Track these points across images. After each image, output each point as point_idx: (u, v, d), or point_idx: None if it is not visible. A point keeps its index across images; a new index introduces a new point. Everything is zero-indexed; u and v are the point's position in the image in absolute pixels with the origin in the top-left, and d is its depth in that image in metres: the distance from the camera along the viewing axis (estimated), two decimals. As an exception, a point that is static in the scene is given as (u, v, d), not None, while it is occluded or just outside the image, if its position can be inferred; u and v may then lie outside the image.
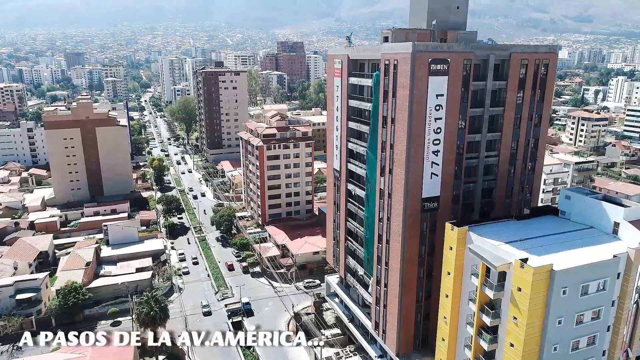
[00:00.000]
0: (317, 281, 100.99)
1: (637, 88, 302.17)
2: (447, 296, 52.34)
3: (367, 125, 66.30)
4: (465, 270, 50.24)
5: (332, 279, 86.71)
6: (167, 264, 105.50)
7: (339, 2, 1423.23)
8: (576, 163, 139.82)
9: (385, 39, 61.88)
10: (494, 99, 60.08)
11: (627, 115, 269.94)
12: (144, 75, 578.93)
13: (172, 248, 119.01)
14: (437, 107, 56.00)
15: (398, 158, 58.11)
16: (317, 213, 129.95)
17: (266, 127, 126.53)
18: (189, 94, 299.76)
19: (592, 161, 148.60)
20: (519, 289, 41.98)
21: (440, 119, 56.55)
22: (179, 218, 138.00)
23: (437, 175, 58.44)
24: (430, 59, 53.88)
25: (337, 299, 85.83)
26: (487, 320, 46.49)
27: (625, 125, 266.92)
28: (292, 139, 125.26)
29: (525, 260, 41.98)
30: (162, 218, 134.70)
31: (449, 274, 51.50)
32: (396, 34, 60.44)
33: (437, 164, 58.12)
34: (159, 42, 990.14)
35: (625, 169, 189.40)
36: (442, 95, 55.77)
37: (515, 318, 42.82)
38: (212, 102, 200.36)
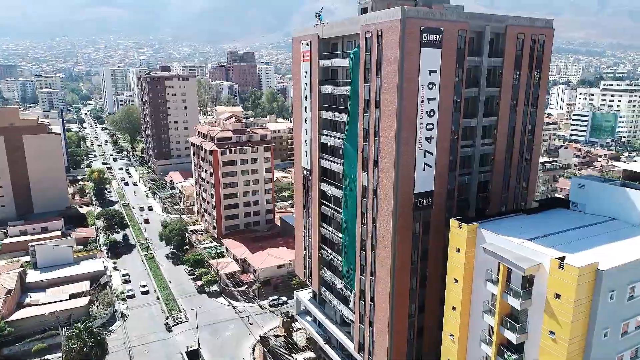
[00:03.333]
0: (284, 298, 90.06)
1: (580, 94, 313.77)
2: (453, 308, 43.44)
3: (344, 112, 57.24)
4: (477, 276, 41.61)
5: (303, 295, 76.23)
6: (108, 287, 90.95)
7: (288, 17, 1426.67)
8: (541, 163, 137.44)
9: (364, 10, 53.41)
10: (490, 78, 52.75)
11: (573, 119, 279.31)
12: (84, 88, 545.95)
13: (115, 268, 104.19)
14: (430, 86, 47.73)
15: (385, 147, 49.18)
16: (278, 223, 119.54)
17: (220, 130, 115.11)
18: (133, 104, 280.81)
19: (556, 161, 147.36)
20: (557, 296, 33.63)
21: (434, 99, 48.30)
22: (123, 236, 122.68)
23: (430, 166, 49.98)
24: (421, 28, 45.64)
25: (309, 318, 75.35)
26: (510, 336, 37.84)
27: (571, 129, 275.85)
28: (250, 143, 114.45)
29: (562, 259, 33.76)
30: (103, 235, 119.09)
31: (455, 281, 42.69)
32: (377, 2, 51.99)
33: (431, 153, 49.68)
34: (101, 55, 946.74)
35: (579, 170, 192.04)
36: (436, 71, 47.61)
37: (552, 333, 34.37)
38: (159, 110, 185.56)
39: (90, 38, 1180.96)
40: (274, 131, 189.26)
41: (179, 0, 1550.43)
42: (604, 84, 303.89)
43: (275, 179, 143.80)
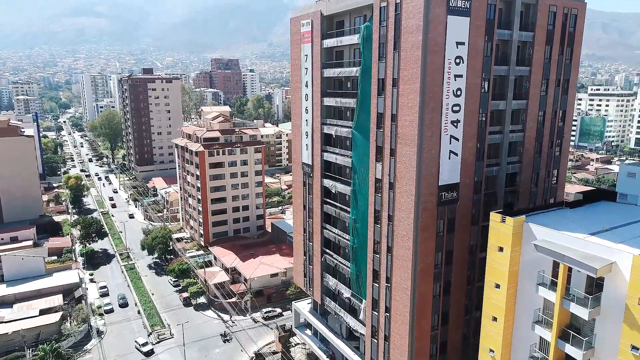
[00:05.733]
0: (279, 310, 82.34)
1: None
2: (494, 319, 36.58)
3: (352, 97, 50.65)
4: (523, 279, 34.92)
5: (302, 306, 68.74)
6: (83, 300, 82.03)
7: (271, 27, 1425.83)
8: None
9: (377, -21, 46.83)
10: (519, 56, 46.67)
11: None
12: (63, 97, 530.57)
13: (91, 280, 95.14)
14: (458, 60, 41.36)
15: (405, 132, 42.52)
16: (269, 230, 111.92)
17: (207, 130, 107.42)
18: (114, 109, 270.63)
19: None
20: (642, 301, 27.12)
21: (461, 76, 41.93)
22: (101, 249, 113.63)
23: (456, 154, 43.47)
24: (448, -8, 39.36)
25: (309, 331, 67.88)
26: (574, 352, 31.09)
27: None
28: (239, 144, 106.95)
29: (645, 256, 27.31)
30: (79, 244, 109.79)
31: (497, 286, 35.90)
32: (393, -32, 45.57)
33: (457, 139, 43.20)
34: (82, 64, 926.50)
35: (572, 173, 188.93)
36: (463, 44, 41.32)
37: (635, 348, 27.78)
38: (141, 114, 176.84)
39: (70, 48, 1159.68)
40: (262, 136, 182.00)
41: (159, 11, 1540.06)
42: (592, 89, 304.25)
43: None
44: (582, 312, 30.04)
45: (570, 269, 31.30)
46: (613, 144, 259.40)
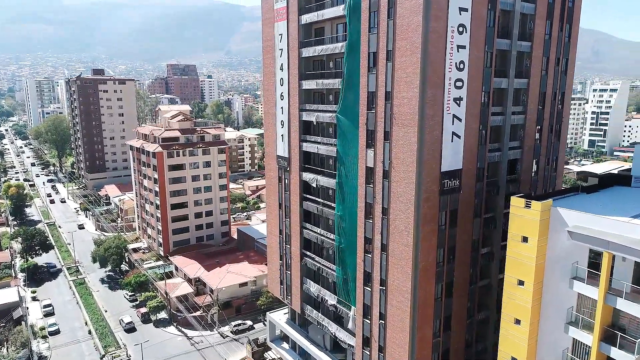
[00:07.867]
0: (249, 322, 74.99)
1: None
2: (517, 322, 31.44)
3: (336, 77, 45.03)
4: (551, 273, 30.00)
5: (278, 316, 61.98)
6: (23, 322, 71.53)
7: (228, 36, 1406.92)
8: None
9: (364, -59, 41.62)
10: (520, 29, 42.61)
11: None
12: (5, 104, 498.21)
13: (34, 299, 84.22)
14: (461, 29, 36.58)
15: (403, 111, 37.20)
16: (235, 237, 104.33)
17: (165, 130, 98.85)
18: (61, 114, 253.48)
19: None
20: None
21: (464, 47, 37.18)
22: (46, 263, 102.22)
23: (459, 136, 38.60)
24: (451, -51, 34.59)
25: (286, 345, 61.17)
26: (622, 356, 26.27)
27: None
28: (201, 144, 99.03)
29: None
30: (20, 259, 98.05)
31: (521, 283, 30.82)
32: None
33: (460, 120, 38.36)
34: (27, 72, 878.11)
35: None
36: (467, 10, 36.66)
37: None
38: (92, 118, 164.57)
39: (14, 55, 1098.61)
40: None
41: (112, 19, 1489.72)
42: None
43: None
44: (635, 309, 25.37)
45: (613, 259, 26.67)
46: (568, 146, 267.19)
